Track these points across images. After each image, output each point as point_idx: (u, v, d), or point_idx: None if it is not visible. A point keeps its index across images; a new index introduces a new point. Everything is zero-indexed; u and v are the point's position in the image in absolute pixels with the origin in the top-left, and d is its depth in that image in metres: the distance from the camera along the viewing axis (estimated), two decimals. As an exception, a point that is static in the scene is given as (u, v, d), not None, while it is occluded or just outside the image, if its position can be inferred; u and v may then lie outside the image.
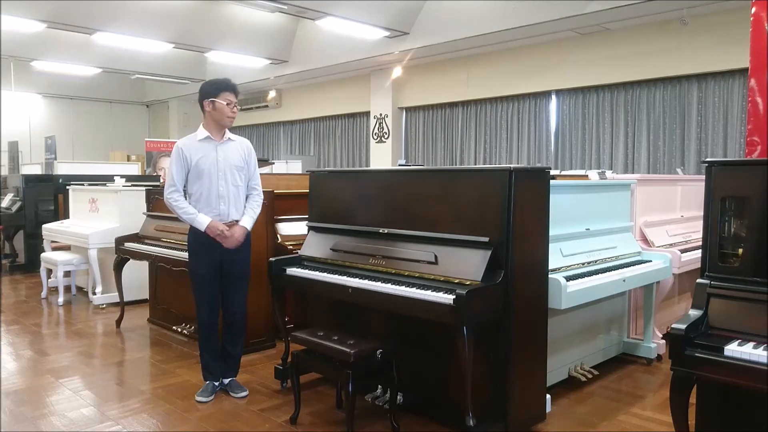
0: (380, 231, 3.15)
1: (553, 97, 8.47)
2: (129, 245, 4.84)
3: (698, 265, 2.60)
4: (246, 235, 3.45)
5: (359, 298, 2.99)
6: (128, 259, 4.92)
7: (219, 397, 3.46)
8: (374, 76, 10.36)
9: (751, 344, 2.08)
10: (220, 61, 10.41)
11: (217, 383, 3.50)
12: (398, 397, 3.02)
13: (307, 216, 3.71)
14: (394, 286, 2.82)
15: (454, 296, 2.52)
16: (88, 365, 4.07)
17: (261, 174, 3.67)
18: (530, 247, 2.84)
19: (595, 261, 3.49)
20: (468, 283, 2.66)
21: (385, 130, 10.37)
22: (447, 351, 2.95)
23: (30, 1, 7.69)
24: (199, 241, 3.38)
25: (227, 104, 3.33)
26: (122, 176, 6.33)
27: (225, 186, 3.36)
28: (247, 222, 3.43)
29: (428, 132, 10.07)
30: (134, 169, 9.84)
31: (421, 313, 2.72)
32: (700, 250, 2.47)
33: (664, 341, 3.98)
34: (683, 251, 4.03)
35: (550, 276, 3.00)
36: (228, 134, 3.44)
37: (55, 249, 6.64)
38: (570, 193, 3.52)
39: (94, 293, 5.86)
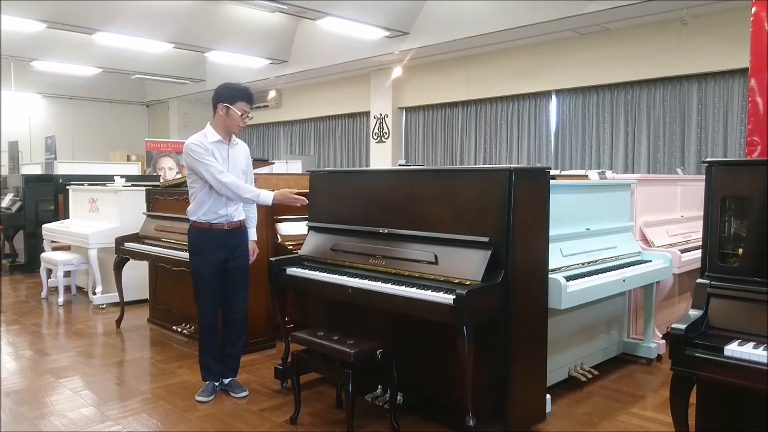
0: (380, 231, 3.15)
1: (553, 97, 8.47)
2: (129, 245, 4.84)
3: (698, 265, 2.60)
4: (246, 231, 3.53)
5: (359, 298, 2.99)
6: (128, 259, 4.92)
7: (219, 397, 3.46)
8: (374, 76, 10.36)
9: (751, 344, 2.08)
10: (220, 61, 10.42)
11: (217, 383, 3.50)
12: (398, 397, 3.02)
13: (307, 216, 3.71)
14: (394, 286, 2.82)
15: (454, 296, 2.52)
16: (88, 365, 4.07)
17: (261, 174, 3.69)
18: (530, 247, 2.84)
19: (595, 261, 3.49)
20: (468, 283, 2.66)
21: (385, 130, 10.37)
22: (447, 351, 2.95)
23: (30, 1, 7.70)
24: (203, 240, 3.38)
25: (241, 114, 3.32)
26: (122, 176, 6.33)
27: None
28: (254, 235, 3.64)
29: (428, 132, 10.07)
30: (134, 169, 9.83)
31: (421, 313, 2.72)
32: (700, 250, 2.47)
33: (664, 341, 3.98)
34: (683, 251, 4.03)
35: (550, 276, 3.00)
36: (233, 137, 3.45)
37: (55, 249, 6.64)
38: (570, 193, 3.52)
39: (94, 293, 5.86)
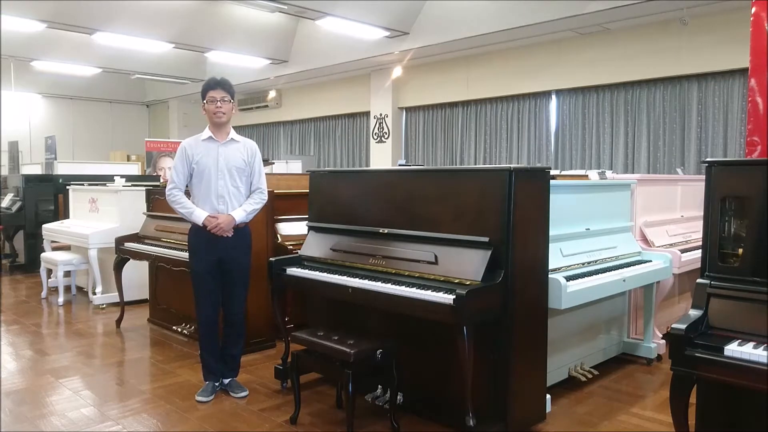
0: (380, 231, 3.15)
1: (553, 97, 8.47)
2: (129, 245, 4.84)
3: (698, 265, 2.60)
4: (244, 231, 3.47)
5: (359, 298, 2.99)
6: (128, 259, 4.92)
7: (219, 397, 3.46)
8: (374, 76, 10.36)
9: (751, 344, 2.08)
10: (220, 61, 10.42)
11: (217, 383, 3.50)
12: (398, 397, 3.02)
13: (307, 216, 3.71)
14: (394, 286, 2.82)
15: (454, 296, 2.52)
16: (88, 365, 4.07)
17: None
18: (530, 247, 2.84)
19: (595, 261, 3.49)
20: (468, 283, 2.66)
21: (385, 130, 10.37)
22: (447, 351, 2.95)
23: (30, 1, 7.69)
24: (200, 239, 3.39)
25: (211, 101, 3.36)
26: (122, 176, 6.33)
27: (224, 186, 3.37)
28: (238, 213, 3.38)
29: (428, 132, 10.07)
30: (134, 169, 9.84)
31: (421, 313, 2.73)
32: (700, 250, 2.47)
33: (664, 341, 3.98)
34: (683, 251, 4.03)
35: (550, 276, 3.00)
36: (232, 135, 3.45)
37: (55, 249, 6.64)
38: (570, 193, 3.52)
39: (94, 293, 5.85)
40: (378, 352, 2.83)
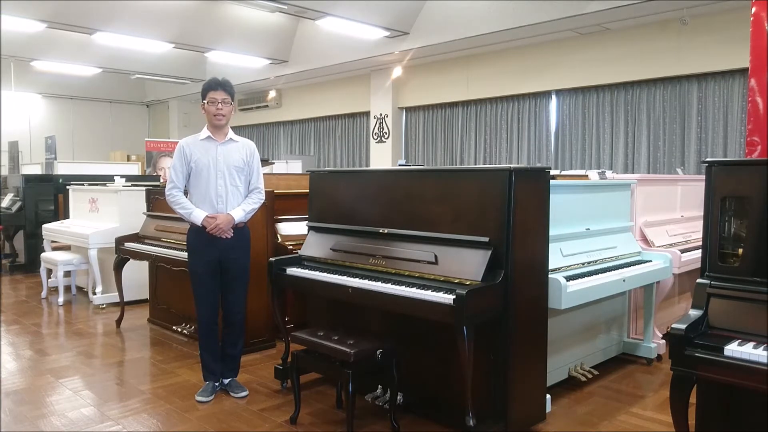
0: (380, 231, 3.15)
1: (553, 97, 8.47)
2: (129, 245, 4.84)
3: (698, 265, 2.61)
4: (243, 231, 3.46)
5: (359, 298, 2.99)
6: (128, 259, 4.92)
7: (219, 397, 3.46)
8: (374, 76, 10.36)
9: (751, 344, 2.08)
10: (220, 61, 10.42)
11: (217, 383, 3.50)
12: (398, 397, 3.02)
13: (307, 216, 3.71)
14: (394, 286, 2.82)
15: (454, 296, 2.52)
16: (88, 365, 4.07)
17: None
18: (530, 247, 2.84)
19: (595, 261, 3.49)
20: (468, 283, 2.66)
21: (385, 130, 10.37)
22: (447, 351, 2.95)
23: (30, 1, 7.70)
24: (198, 239, 3.39)
25: (212, 103, 3.35)
26: (122, 176, 6.34)
27: (223, 185, 3.37)
28: (237, 213, 3.38)
29: (428, 132, 10.07)
30: (134, 169, 9.84)
31: (421, 313, 2.73)
32: (700, 250, 2.47)
33: (664, 341, 3.98)
34: (683, 251, 4.03)
35: (550, 276, 3.00)
36: (231, 135, 3.45)
37: (55, 249, 6.64)
38: (570, 193, 3.52)
39: (94, 293, 5.86)
40: (378, 352, 2.83)
